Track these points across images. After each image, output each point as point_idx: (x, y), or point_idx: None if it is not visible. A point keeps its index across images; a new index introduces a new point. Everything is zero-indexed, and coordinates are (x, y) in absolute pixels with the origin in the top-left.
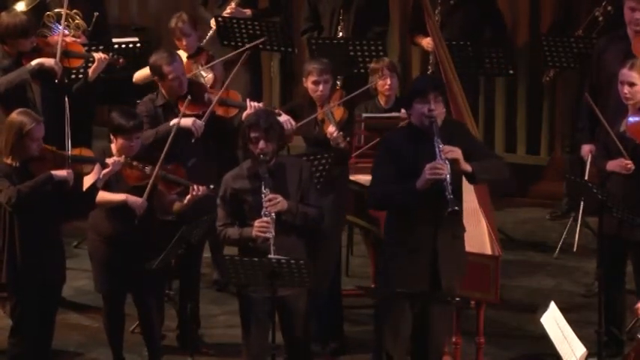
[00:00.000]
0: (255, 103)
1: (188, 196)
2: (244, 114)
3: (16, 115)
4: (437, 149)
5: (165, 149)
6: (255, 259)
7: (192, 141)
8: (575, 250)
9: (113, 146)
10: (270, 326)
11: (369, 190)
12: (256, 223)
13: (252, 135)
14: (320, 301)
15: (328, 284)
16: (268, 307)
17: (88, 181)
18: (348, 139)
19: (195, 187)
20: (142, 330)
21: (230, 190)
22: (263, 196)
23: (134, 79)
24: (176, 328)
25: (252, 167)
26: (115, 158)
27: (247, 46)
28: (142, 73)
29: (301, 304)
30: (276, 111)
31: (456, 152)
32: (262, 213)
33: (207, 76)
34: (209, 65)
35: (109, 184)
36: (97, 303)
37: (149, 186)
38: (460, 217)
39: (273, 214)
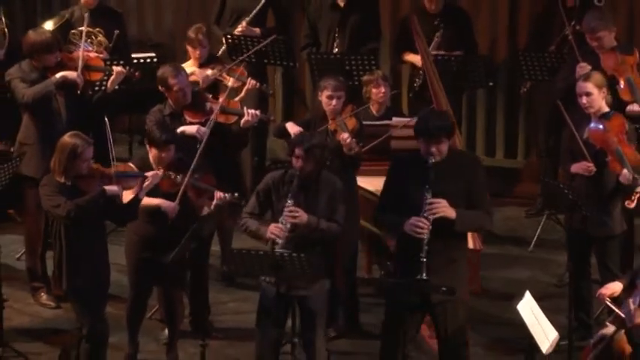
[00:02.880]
0: (252, 111)
1: (214, 202)
2: (242, 120)
3: (68, 138)
4: (424, 203)
5: (195, 160)
6: (261, 252)
7: (198, 146)
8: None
9: (150, 157)
10: (283, 319)
11: (377, 210)
12: (271, 226)
13: (296, 151)
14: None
15: (345, 276)
16: (283, 303)
17: (127, 195)
18: (361, 144)
19: (219, 194)
20: (166, 317)
21: (267, 187)
22: (286, 206)
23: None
24: (189, 314)
25: (292, 176)
26: (154, 172)
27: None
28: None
29: (320, 304)
30: (272, 118)
31: (441, 209)
32: (280, 220)
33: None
34: (233, 66)
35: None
36: (118, 292)
37: (180, 192)
38: (457, 242)
39: (288, 224)
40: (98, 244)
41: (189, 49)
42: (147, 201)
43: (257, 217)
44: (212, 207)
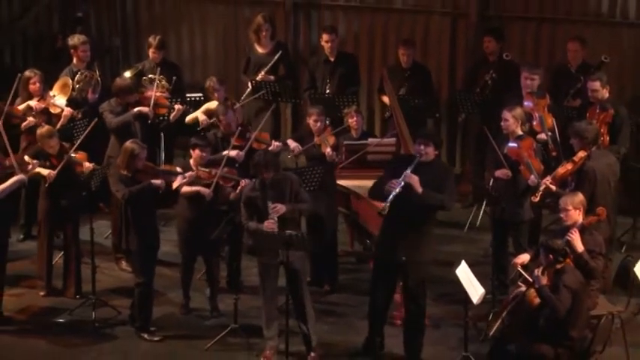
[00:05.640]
0: (277, 143)
1: (239, 187)
2: (270, 148)
3: (129, 144)
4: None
5: (224, 161)
6: (276, 232)
7: (237, 165)
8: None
9: (191, 160)
10: (278, 280)
11: None
12: (266, 223)
13: (263, 171)
14: (321, 258)
15: (328, 248)
16: (276, 270)
17: (174, 185)
18: (339, 156)
19: (242, 181)
20: (208, 277)
21: (246, 199)
22: (269, 205)
23: (186, 120)
24: (226, 276)
25: (259, 184)
26: (190, 173)
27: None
28: (191, 117)
29: (300, 265)
30: (288, 141)
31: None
32: (269, 216)
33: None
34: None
35: (191, 182)
36: (176, 260)
37: (214, 182)
38: (424, 223)
39: (275, 217)
40: (146, 218)
41: (209, 94)
42: (191, 189)
43: (251, 219)
44: (237, 191)
